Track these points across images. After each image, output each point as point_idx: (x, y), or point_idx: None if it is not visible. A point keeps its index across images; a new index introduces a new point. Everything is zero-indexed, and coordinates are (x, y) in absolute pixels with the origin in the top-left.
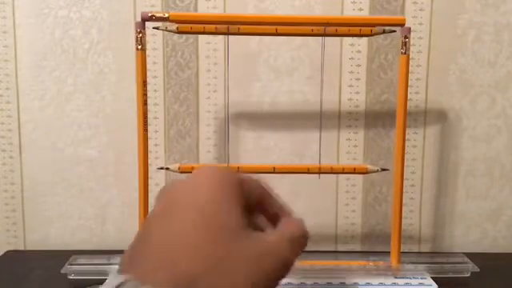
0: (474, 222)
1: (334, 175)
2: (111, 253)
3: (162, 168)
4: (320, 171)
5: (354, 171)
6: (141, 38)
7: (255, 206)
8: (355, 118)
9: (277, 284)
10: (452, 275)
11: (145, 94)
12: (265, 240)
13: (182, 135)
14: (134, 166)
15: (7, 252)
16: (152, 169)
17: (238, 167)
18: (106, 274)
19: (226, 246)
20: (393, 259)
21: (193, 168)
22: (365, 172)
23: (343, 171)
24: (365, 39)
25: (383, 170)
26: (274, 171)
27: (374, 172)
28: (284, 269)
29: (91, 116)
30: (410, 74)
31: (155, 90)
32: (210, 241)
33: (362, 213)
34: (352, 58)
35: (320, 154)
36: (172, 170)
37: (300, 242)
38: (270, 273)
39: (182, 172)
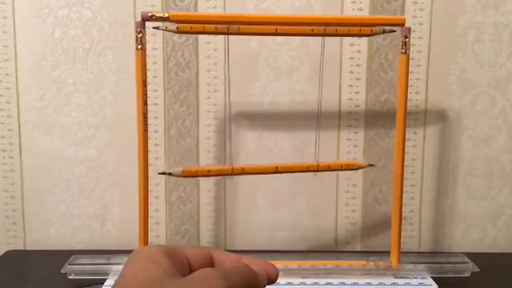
0: (474, 221)
1: (335, 175)
2: (111, 253)
3: (163, 173)
4: (311, 170)
5: (340, 168)
6: (141, 37)
7: (204, 263)
8: (355, 117)
9: None
10: (452, 275)
11: (145, 94)
12: (189, 277)
13: (182, 135)
14: (134, 165)
15: (7, 252)
16: (152, 168)
17: (243, 168)
18: (106, 273)
19: None
20: (393, 259)
21: (197, 172)
22: (356, 168)
23: (330, 168)
24: (365, 39)
25: (370, 165)
26: (276, 171)
27: (362, 168)
28: None
29: (91, 116)
30: (410, 74)
31: (155, 90)
32: None
33: (362, 213)
34: (352, 58)
35: (317, 152)
36: (175, 175)
37: (244, 277)
38: None
39: (184, 176)
